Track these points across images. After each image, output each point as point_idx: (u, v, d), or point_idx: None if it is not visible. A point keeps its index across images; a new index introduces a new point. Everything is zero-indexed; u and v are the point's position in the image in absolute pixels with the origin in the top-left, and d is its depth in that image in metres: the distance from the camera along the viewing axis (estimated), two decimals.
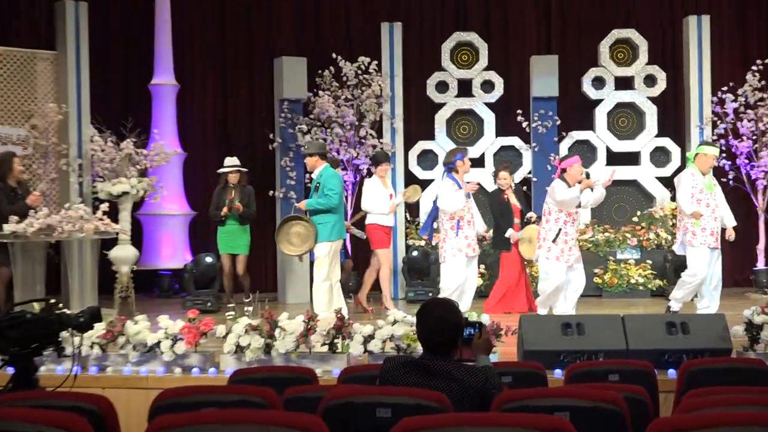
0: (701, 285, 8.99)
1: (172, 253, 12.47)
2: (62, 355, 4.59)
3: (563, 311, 8.88)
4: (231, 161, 10.92)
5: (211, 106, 13.22)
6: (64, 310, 4.65)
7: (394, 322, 7.00)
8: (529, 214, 10.34)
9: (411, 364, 4.02)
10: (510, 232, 10.12)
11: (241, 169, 10.81)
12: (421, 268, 11.60)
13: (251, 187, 10.92)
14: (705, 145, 9.35)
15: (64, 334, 4.48)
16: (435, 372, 3.93)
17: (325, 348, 6.98)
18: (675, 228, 11.54)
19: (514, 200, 10.34)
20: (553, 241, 8.92)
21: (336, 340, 6.99)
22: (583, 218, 11.65)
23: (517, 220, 10.22)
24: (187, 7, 13.00)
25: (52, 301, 4.62)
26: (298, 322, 6.99)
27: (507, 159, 11.83)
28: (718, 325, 7.04)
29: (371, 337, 6.95)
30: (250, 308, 7.63)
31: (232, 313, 7.31)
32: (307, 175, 11.55)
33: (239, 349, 6.93)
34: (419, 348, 4.21)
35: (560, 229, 8.94)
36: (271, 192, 11.91)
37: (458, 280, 9.28)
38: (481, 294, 10.55)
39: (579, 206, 9.11)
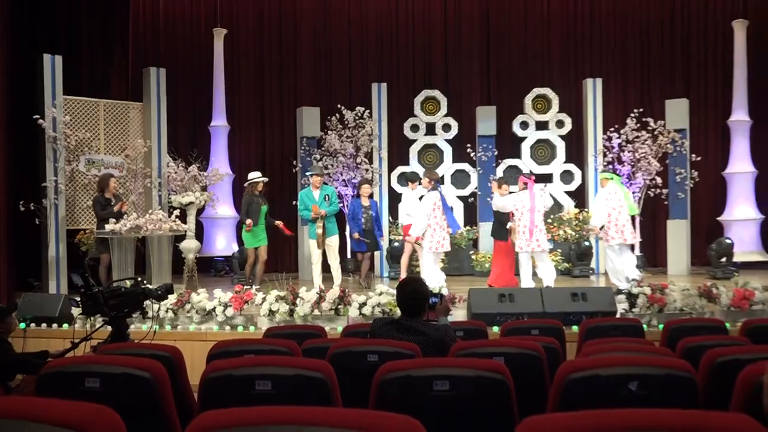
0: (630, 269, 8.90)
1: (224, 244, 12.41)
2: (146, 317, 4.55)
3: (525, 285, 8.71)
4: (257, 174, 9.86)
5: (253, 141, 13.17)
6: (148, 285, 4.61)
7: (381, 293, 6.98)
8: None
9: (392, 323, 4.01)
10: (510, 225, 9.57)
11: (264, 179, 9.88)
12: (399, 256, 11.51)
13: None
14: (604, 173, 9.43)
15: (147, 302, 4.44)
16: (409, 329, 3.91)
17: (332, 312, 6.96)
18: (582, 227, 11.62)
19: None
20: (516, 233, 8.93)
21: (339, 306, 6.97)
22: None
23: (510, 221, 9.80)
24: (236, 68, 12.96)
25: (139, 279, 4.58)
26: (313, 293, 6.96)
27: (504, 177, 11.08)
28: (607, 295, 7.07)
29: (364, 304, 6.93)
30: (258, 286, 7.46)
31: (258, 286, 7.23)
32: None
33: (271, 313, 6.90)
34: (398, 312, 4.18)
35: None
36: (294, 202, 11.86)
37: (432, 267, 8.94)
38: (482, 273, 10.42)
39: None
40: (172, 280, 9.36)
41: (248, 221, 9.45)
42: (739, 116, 12.48)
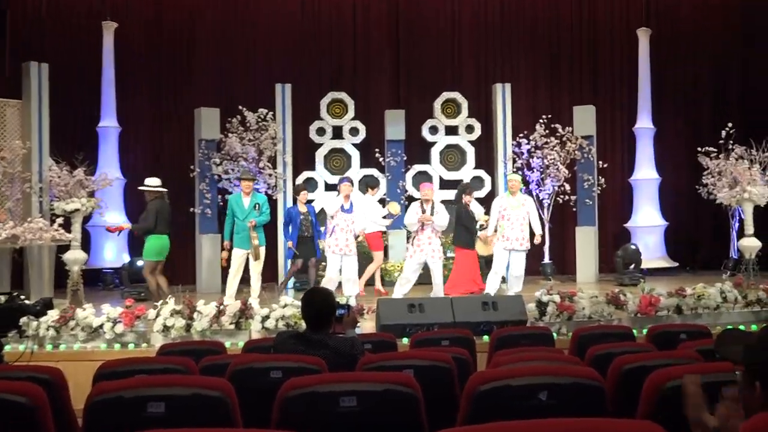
0: (500, 275, 9.22)
1: (114, 255, 11.96)
2: (23, 336, 4.32)
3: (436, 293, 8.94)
4: (156, 181, 9.45)
5: (147, 144, 12.77)
6: (25, 300, 4.38)
7: (285, 305, 6.91)
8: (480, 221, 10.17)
9: (297, 337, 3.97)
10: (481, 234, 9.96)
11: (161, 189, 9.42)
12: (306, 265, 11.42)
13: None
14: (510, 174, 9.71)
15: (25, 319, 4.22)
16: (315, 342, 3.88)
17: (233, 326, 6.83)
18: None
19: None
20: (410, 242, 9.08)
21: (241, 320, 6.84)
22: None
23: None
24: (127, 64, 12.53)
25: (15, 293, 4.35)
26: (212, 307, 6.80)
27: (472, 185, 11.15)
28: (517, 303, 7.26)
29: (267, 317, 6.84)
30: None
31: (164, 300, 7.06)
32: (219, 197, 11.34)
33: (166, 329, 6.69)
34: (304, 324, 4.14)
35: (414, 236, 9.06)
36: (191, 209, 11.61)
37: (328, 271, 9.06)
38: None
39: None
40: (55, 294, 8.94)
41: (124, 224, 9.29)
42: (644, 123, 13.16)
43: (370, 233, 10.29)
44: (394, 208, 10.87)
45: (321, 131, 12.51)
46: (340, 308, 4.22)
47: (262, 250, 9.07)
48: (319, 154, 12.44)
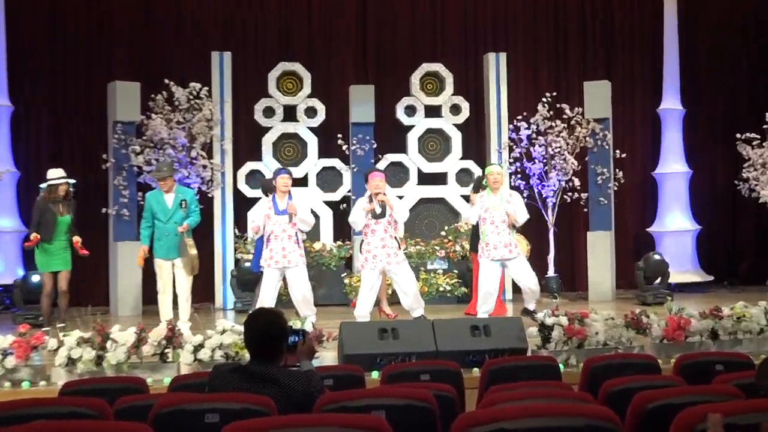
0: (494, 295, 9.26)
1: (4, 268, 11.80)
2: None
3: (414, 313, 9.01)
4: (59, 172, 9.51)
5: (47, 127, 12.60)
6: None
7: (223, 331, 6.87)
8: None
9: (239, 371, 3.95)
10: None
11: (69, 180, 9.56)
12: (249, 280, 11.41)
13: (74, 200, 9.76)
14: (489, 165, 9.77)
15: None
16: (261, 377, 3.86)
17: (157, 358, 6.77)
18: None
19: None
20: (360, 251, 9.09)
21: (167, 350, 6.79)
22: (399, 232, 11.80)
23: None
24: (20, 30, 12.36)
25: None
26: (130, 334, 6.74)
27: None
28: (515, 327, 7.28)
29: (201, 346, 6.79)
30: (63, 324, 7.24)
31: (62, 324, 6.97)
32: (140, 194, 11.22)
33: (71, 362, 6.61)
34: (247, 355, 4.13)
35: (362, 240, 9.15)
36: (104, 209, 11.49)
37: (263, 293, 9.03)
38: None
39: (381, 216, 9.08)
40: None
41: (33, 235, 9.13)
42: (670, 103, 13.34)
43: None
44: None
45: (269, 112, 12.48)
46: (292, 334, 4.21)
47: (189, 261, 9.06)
48: (267, 141, 12.42)
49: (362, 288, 9.13)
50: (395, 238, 9.15)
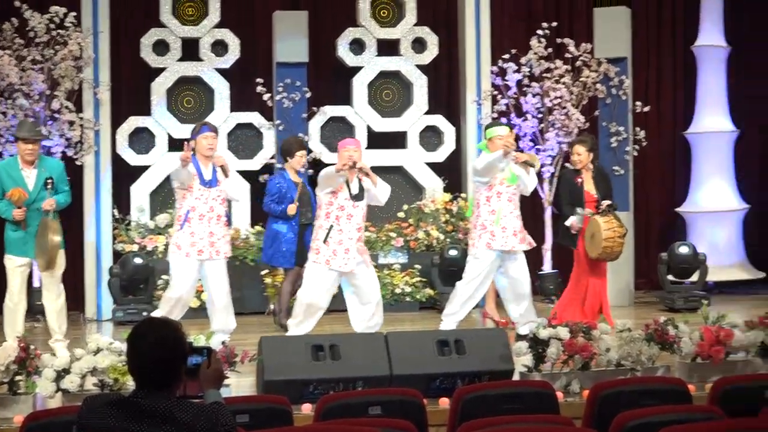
0: (474, 296, 9.33)
1: None
2: None
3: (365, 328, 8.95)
4: None
5: None
6: None
7: (97, 350, 6.84)
8: (604, 202, 9.84)
9: (120, 405, 3.93)
10: (571, 220, 9.80)
11: None
12: (136, 280, 11.35)
13: None
14: (497, 126, 9.70)
15: None
16: (151, 413, 3.86)
17: (5, 388, 6.73)
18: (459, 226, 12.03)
19: (589, 186, 9.97)
20: (324, 240, 8.92)
21: (18, 378, 6.75)
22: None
23: (589, 211, 9.79)
24: None
25: None
26: None
27: (586, 136, 11.03)
28: (497, 342, 7.35)
29: (66, 371, 6.76)
30: None
31: None
32: None
33: None
34: (131, 383, 4.12)
35: (331, 226, 8.98)
36: None
37: (177, 287, 9.01)
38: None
39: (360, 198, 9.04)
40: None
41: None
42: (710, 39, 13.42)
43: None
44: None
45: (162, 47, 12.38)
46: (194, 354, 4.21)
47: (62, 255, 9.00)
48: (159, 88, 12.34)
49: (310, 292, 8.98)
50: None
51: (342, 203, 8.96)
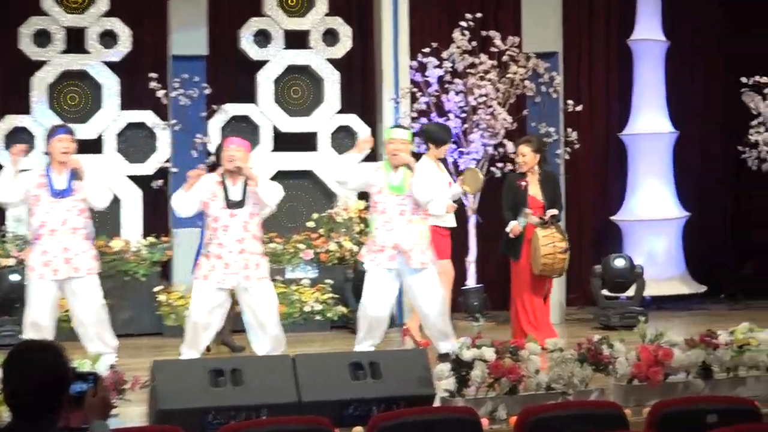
0: (377, 318, 9.29)
1: None
2: None
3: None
4: None
5: None
6: None
7: None
8: (549, 212, 9.90)
9: None
10: (511, 224, 9.83)
11: None
12: (11, 299, 11.16)
13: None
14: (393, 128, 9.75)
15: None
16: None
17: None
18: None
19: (535, 190, 10.00)
20: (206, 254, 8.89)
21: None
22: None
23: (535, 219, 9.83)
24: None
25: None
26: None
27: (531, 135, 11.26)
28: (417, 364, 7.35)
29: None
30: None
31: None
32: None
33: None
34: (6, 414, 4.07)
35: (211, 238, 8.95)
36: None
37: (31, 312, 8.91)
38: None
39: (240, 205, 8.96)
40: None
41: None
42: (647, 32, 13.59)
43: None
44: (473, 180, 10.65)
45: (43, 38, 12.25)
46: (78, 380, 4.17)
47: None
48: (40, 83, 12.21)
49: (195, 310, 8.96)
50: (259, 239, 9.07)
51: (217, 213, 8.91)
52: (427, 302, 9.31)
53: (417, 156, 9.76)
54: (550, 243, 9.57)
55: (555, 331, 9.84)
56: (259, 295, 8.95)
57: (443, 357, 8.90)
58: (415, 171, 9.16)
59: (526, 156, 10.01)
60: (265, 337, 8.97)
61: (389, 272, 9.20)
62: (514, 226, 9.86)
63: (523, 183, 9.98)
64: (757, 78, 12.27)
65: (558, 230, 9.73)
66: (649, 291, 12.67)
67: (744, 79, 12.38)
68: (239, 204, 8.91)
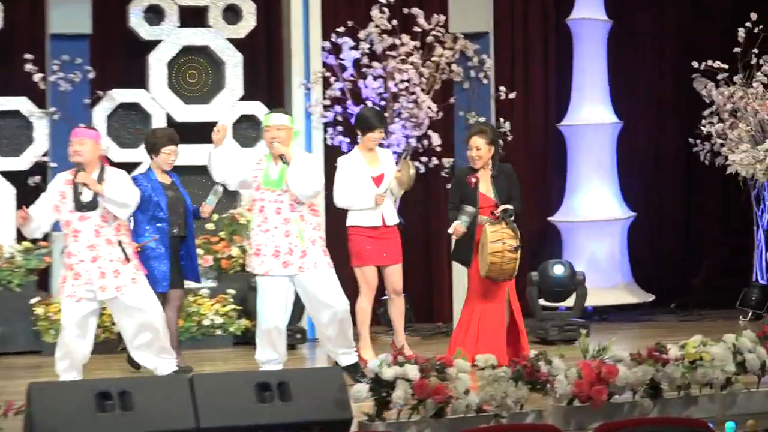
0: (272, 330, 9.19)
1: None
2: None
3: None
4: None
5: None
6: None
7: None
8: (501, 207, 9.74)
9: None
10: (453, 225, 9.69)
11: None
12: None
13: None
14: (270, 114, 9.47)
15: None
16: None
17: None
18: None
19: (486, 187, 9.86)
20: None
21: None
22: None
23: (485, 218, 9.71)
24: None
25: None
26: None
27: (483, 123, 11.07)
28: (332, 385, 7.33)
29: None
30: None
31: None
32: None
33: None
34: None
35: (64, 247, 8.93)
36: None
37: None
38: None
39: (91, 208, 8.87)
40: None
41: None
42: (588, 12, 13.68)
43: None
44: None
45: None
46: None
47: None
48: None
49: (67, 326, 8.87)
50: (120, 245, 8.95)
51: (67, 217, 8.83)
52: (315, 308, 9.22)
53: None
54: (498, 240, 9.51)
55: (503, 348, 9.74)
56: (131, 304, 8.87)
57: (349, 369, 8.92)
58: (291, 161, 9.00)
59: (481, 150, 9.84)
60: (147, 351, 8.98)
61: (276, 278, 9.12)
62: (455, 226, 9.73)
63: (473, 179, 9.86)
64: (710, 62, 12.36)
65: (509, 226, 9.64)
66: (592, 301, 12.71)
67: (695, 64, 12.47)
68: (90, 205, 8.81)
